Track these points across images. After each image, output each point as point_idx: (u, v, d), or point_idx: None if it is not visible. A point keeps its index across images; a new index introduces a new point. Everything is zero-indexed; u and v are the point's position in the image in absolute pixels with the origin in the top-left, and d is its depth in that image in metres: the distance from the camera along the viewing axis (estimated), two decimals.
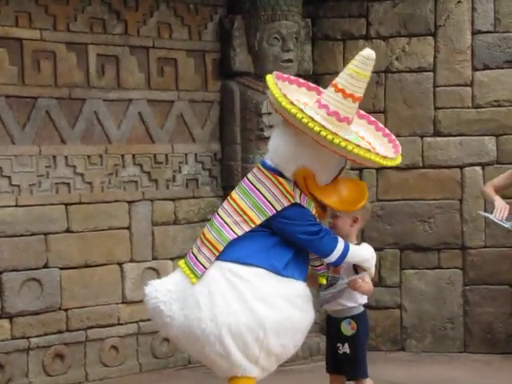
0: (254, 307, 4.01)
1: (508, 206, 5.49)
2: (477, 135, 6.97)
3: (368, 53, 3.84)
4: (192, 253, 4.20)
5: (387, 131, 4.08)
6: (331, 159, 3.97)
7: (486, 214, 5.92)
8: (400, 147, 3.87)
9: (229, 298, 4.03)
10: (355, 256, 4.14)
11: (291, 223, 4.02)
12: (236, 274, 4.08)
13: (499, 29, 6.94)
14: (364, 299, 4.30)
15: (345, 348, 4.27)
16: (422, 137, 6.99)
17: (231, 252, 4.08)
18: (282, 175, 3.95)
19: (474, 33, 6.98)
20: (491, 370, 6.58)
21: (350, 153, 3.69)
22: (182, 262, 4.26)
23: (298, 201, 3.97)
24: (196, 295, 4.06)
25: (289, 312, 4.12)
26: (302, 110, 3.62)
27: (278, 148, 4.08)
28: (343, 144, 3.61)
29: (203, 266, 4.05)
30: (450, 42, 7.04)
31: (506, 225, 5.59)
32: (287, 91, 3.78)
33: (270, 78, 3.89)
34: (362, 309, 4.32)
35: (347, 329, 4.30)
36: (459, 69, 7.01)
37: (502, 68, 6.92)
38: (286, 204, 3.93)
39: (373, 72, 4.54)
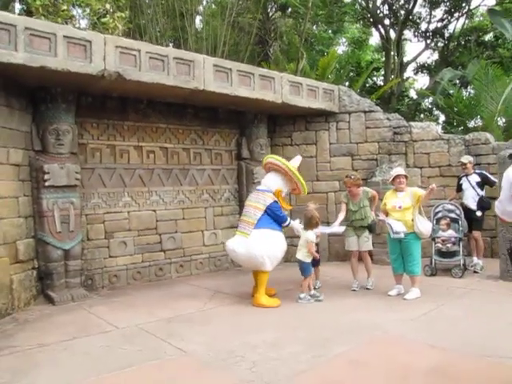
0: (272, 244, 5.49)
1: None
2: (332, 180, 8.52)
3: (299, 157, 6.08)
4: (241, 227, 5.67)
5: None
6: (286, 186, 5.79)
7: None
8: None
9: (262, 242, 5.45)
10: (292, 225, 5.75)
11: (274, 209, 5.60)
12: (262, 232, 5.49)
13: (338, 142, 8.50)
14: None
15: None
16: (312, 181, 8.37)
17: (258, 225, 5.51)
18: (267, 192, 5.67)
19: (330, 143, 8.53)
20: None
21: (299, 181, 5.66)
22: (238, 232, 5.65)
23: (274, 199, 5.63)
24: (250, 242, 5.46)
25: (280, 243, 5.65)
26: (292, 166, 5.66)
27: (269, 181, 5.78)
28: (299, 176, 5.66)
29: (249, 230, 5.52)
30: (321, 146, 8.56)
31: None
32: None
33: (273, 156, 5.94)
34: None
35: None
36: (325, 156, 8.54)
37: (340, 156, 8.51)
38: (270, 201, 5.61)
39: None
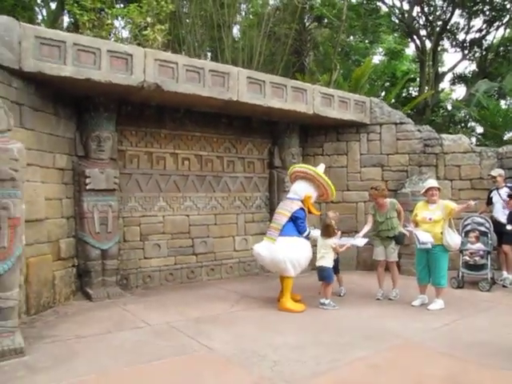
0: (295, 251, 5.64)
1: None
2: (362, 190, 8.45)
3: (323, 165, 6.27)
4: (269, 233, 5.87)
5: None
6: (315, 192, 5.95)
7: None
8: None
9: (286, 247, 5.62)
10: (311, 234, 5.87)
11: (297, 218, 5.77)
12: (288, 239, 5.67)
13: (369, 153, 8.59)
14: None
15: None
16: (342, 191, 8.53)
17: (283, 232, 5.68)
18: (296, 200, 5.86)
19: (360, 154, 8.65)
20: None
21: (328, 184, 5.83)
22: (266, 238, 5.85)
23: (302, 206, 5.83)
24: (275, 247, 5.65)
25: (305, 251, 5.79)
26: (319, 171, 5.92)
27: (298, 188, 5.95)
28: (327, 179, 5.86)
29: (275, 235, 5.72)
30: (352, 157, 8.69)
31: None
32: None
33: (299, 165, 6.20)
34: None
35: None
36: (356, 167, 8.67)
37: (370, 167, 8.62)
38: (296, 208, 5.80)
39: (326, 167, 6.68)
